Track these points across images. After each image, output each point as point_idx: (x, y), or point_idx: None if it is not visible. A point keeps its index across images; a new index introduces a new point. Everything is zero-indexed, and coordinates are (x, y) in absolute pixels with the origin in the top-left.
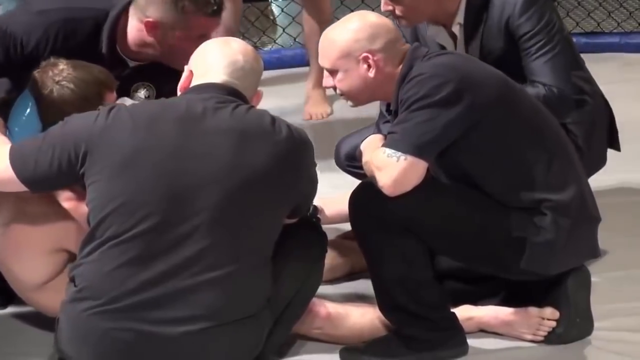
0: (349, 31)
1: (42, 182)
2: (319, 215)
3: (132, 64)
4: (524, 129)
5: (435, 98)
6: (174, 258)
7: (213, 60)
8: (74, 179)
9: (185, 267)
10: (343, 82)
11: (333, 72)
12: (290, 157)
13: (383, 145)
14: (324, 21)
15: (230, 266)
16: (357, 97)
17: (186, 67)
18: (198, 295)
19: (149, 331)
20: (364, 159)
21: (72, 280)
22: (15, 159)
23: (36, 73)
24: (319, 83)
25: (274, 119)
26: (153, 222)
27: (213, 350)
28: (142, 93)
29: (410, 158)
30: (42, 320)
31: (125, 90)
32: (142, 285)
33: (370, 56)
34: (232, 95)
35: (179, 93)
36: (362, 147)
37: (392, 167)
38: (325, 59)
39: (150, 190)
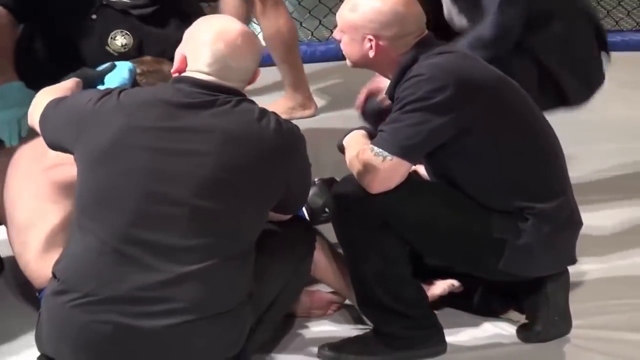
0: (370, 8)
1: (53, 146)
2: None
3: None
4: (516, 136)
5: (429, 102)
6: (154, 251)
7: (206, 45)
8: (71, 151)
9: (166, 260)
10: (346, 46)
11: (342, 32)
12: (277, 153)
13: (372, 143)
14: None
15: (210, 260)
16: (353, 62)
17: (178, 50)
18: (178, 288)
19: (129, 324)
20: (349, 154)
21: (55, 275)
22: (43, 117)
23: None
24: (293, 87)
25: (262, 114)
26: (132, 216)
27: (193, 343)
28: (119, 41)
29: (396, 159)
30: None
31: (101, 36)
32: (123, 278)
33: (374, 39)
34: (221, 89)
35: (173, 76)
36: (345, 142)
37: (377, 166)
38: (341, 17)
39: (128, 185)
